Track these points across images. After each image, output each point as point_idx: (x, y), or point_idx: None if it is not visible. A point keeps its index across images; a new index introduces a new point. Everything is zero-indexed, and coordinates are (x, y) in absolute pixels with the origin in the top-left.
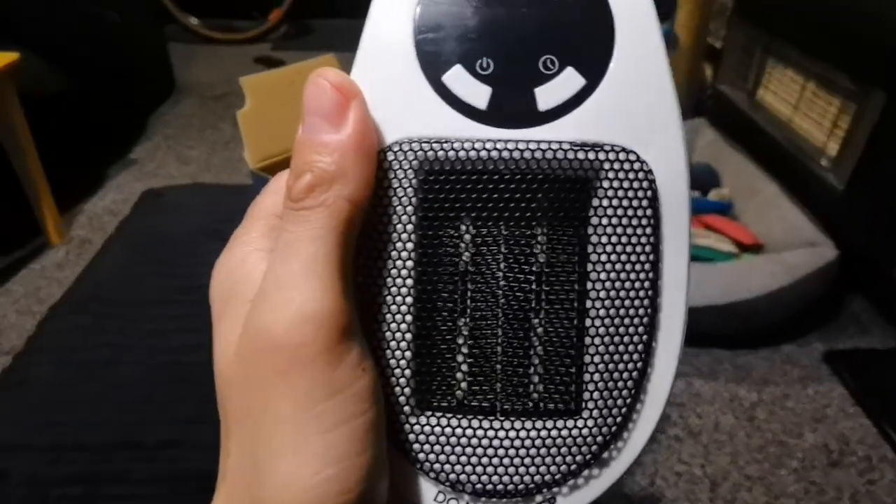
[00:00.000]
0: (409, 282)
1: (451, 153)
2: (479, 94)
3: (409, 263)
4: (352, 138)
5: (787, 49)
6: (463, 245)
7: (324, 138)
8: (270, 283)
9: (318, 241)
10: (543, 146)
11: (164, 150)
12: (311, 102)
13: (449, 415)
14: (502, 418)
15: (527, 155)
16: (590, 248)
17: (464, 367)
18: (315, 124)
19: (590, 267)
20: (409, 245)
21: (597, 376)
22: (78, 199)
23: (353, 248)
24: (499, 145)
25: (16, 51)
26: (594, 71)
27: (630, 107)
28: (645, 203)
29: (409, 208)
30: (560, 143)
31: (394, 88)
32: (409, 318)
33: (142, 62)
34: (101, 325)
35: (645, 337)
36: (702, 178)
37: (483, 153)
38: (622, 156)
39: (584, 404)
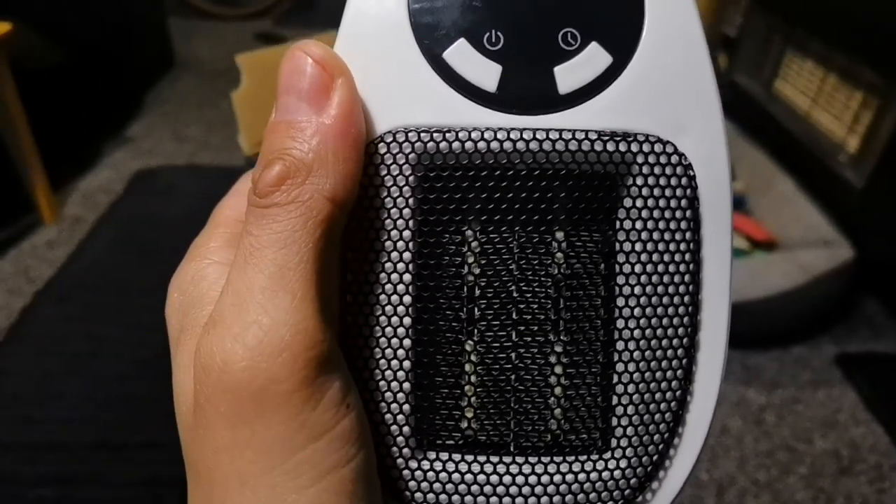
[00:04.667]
0: (407, 299)
1: (456, 144)
2: (487, 74)
3: (407, 277)
4: (336, 122)
5: (809, 40)
6: (470, 254)
7: (301, 121)
8: (227, 301)
9: (289, 248)
10: (565, 136)
11: (161, 128)
12: (287, 79)
13: (455, 454)
14: (519, 457)
15: (546, 146)
16: (620, 256)
17: (472, 398)
18: (291, 105)
19: (620, 279)
20: (407, 255)
21: (630, 407)
22: (71, 176)
23: (335, 260)
24: (512, 135)
25: (7, 21)
26: (622, 46)
27: (664, 88)
28: (684, 203)
29: (406, 211)
30: (585, 132)
31: (386, 67)
32: (407, 342)
33: (140, 36)
34: (86, 314)
35: (684, 359)
36: None
37: (493, 144)
38: (657, 147)
39: (614, 439)
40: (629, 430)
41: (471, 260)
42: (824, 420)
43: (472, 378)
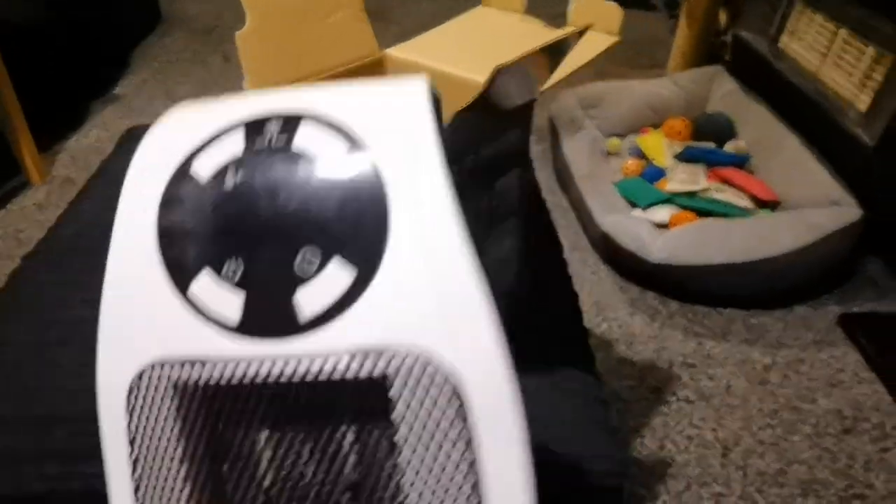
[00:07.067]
0: None
1: (206, 375)
2: (231, 303)
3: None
4: None
5: None
6: (263, 462)
7: None
8: None
9: None
10: (317, 362)
11: (152, 85)
12: None
13: None
14: None
15: (293, 370)
16: (400, 455)
17: None
18: None
19: (403, 472)
20: (180, 482)
21: None
22: (60, 136)
23: None
24: (254, 365)
25: None
26: (366, 258)
27: (417, 296)
28: (450, 412)
29: (172, 435)
30: (333, 355)
31: (143, 302)
32: None
33: None
34: (80, 279)
35: None
36: (718, 129)
37: (239, 373)
38: (409, 361)
39: None
40: None
41: (263, 467)
42: (828, 380)
43: None
